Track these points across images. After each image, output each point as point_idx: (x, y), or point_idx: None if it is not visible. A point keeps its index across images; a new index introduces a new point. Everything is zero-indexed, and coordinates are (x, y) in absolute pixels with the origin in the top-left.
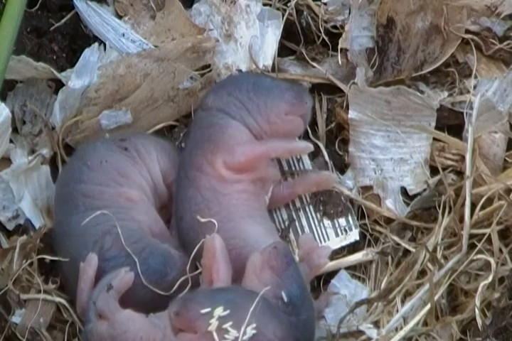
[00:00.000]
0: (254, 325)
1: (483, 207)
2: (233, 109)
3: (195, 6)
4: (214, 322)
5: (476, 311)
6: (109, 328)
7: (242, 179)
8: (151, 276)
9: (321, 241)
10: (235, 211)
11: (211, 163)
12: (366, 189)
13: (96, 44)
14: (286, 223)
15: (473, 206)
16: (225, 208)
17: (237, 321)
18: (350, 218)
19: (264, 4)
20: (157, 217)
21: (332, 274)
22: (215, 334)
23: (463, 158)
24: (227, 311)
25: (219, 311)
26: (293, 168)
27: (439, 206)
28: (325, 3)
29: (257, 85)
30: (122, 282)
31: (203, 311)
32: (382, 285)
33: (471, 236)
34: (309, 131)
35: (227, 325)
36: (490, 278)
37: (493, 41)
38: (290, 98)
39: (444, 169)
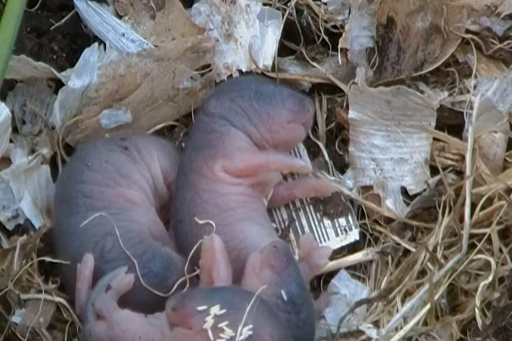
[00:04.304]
0: (250, 326)
1: (483, 207)
2: (235, 116)
3: (195, 5)
4: (210, 320)
5: (476, 311)
6: (107, 328)
7: (241, 182)
8: (152, 280)
9: (321, 241)
10: (233, 213)
11: (210, 167)
12: (366, 189)
13: (96, 44)
14: (286, 223)
15: (473, 206)
16: (223, 210)
17: (233, 321)
18: (350, 218)
19: (264, 4)
20: (157, 219)
21: (332, 274)
22: (209, 332)
23: (463, 157)
24: (224, 310)
25: (215, 309)
26: None
27: (439, 206)
28: (325, 3)
29: (260, 93)
30: (122, 283)
31: (200, 308)
32: (382, 285)
33: (471, 236)
34: (309, 131)
35: (222, 324)
36: (490, 278)
37: (493, 41)
38: (292, 106)
39: (444, 169)
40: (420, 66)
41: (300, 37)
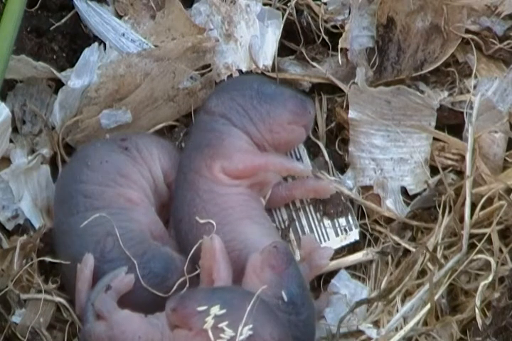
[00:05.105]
0: (250, 326)
1: (483, 207)
2: (236, 116)
3: (195, 5)
4: (210, 321)
5: (476, 311)
6: (107, 328)
7: (239, 184)
8: (152, 280)
9: (321, 241)
10: (233, 212)
11: (209, 168)
12: (366, 189)
13: (96, 44)
14: (286, 223)
15: (473, 206)
16: (223, 210)
17: (234, 321)
18: (350, 218)
19: (264, 4)
20: (157, 218)
21: (332, 274)
22: (210, 333)
23: (463, 157)
24: (224, 310)
25: (215, 310)
26: None
27: (439, 206)
28: (325, 3)
29: (261, 92)
30: (122, 283)
31: (200, 309)
32: (382, 285)
33: (471, 236)
34: (309, 132)
35: (222, 324)
36: (490, 278)
37: (493, 41)
38: (293, 107)
39: (444, 169)
40: (420, 66)
41: (300, 37)
